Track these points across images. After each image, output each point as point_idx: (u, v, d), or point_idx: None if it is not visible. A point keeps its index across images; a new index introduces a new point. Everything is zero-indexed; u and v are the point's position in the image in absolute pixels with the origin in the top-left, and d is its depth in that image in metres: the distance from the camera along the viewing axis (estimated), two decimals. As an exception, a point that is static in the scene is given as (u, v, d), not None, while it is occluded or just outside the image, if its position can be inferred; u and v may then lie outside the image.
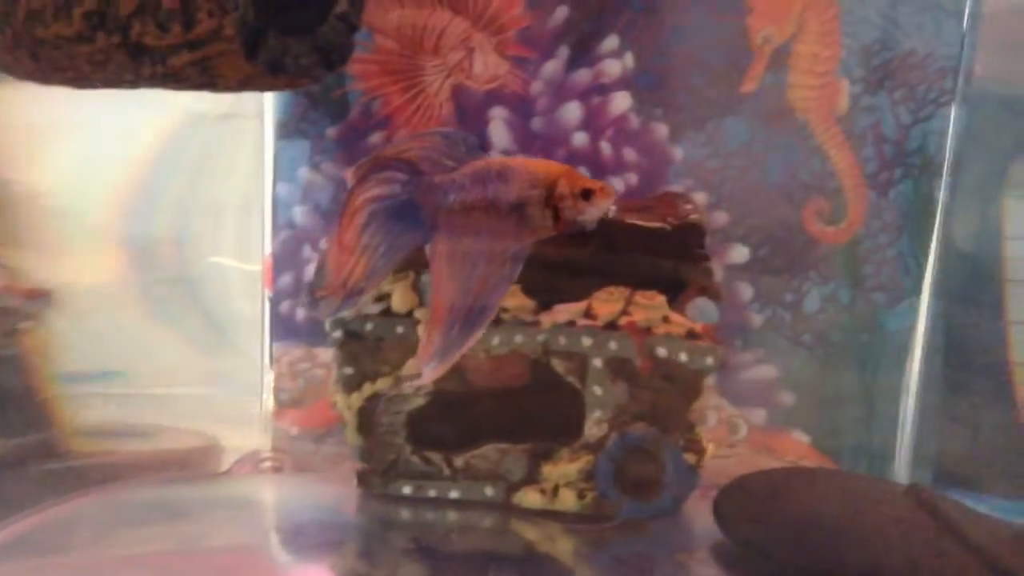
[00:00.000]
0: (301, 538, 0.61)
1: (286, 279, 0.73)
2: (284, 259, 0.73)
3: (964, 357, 0.74)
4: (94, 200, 0.79)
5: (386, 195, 0.48)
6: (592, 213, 0.48)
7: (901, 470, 0.72)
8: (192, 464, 0.71)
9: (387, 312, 0.59)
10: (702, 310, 0.61)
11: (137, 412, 0.78)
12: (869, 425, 0.73)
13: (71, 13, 0.50)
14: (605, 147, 0.72)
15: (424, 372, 0.48)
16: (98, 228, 0.80)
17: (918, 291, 0.71)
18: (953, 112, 0.69)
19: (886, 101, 0.69)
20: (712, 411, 0.73)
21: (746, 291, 0.72)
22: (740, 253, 0.72)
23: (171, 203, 0.82)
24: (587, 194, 0.47)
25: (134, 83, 0.54)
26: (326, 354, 0.72)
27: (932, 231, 0.70)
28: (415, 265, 0.60)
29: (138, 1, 0.49)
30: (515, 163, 0.48)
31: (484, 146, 0.51)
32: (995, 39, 0.68)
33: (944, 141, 0.69)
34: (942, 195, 0.69)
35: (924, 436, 0.72)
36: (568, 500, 0.60)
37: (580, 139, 0.72)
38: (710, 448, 0.62)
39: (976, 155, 0.69)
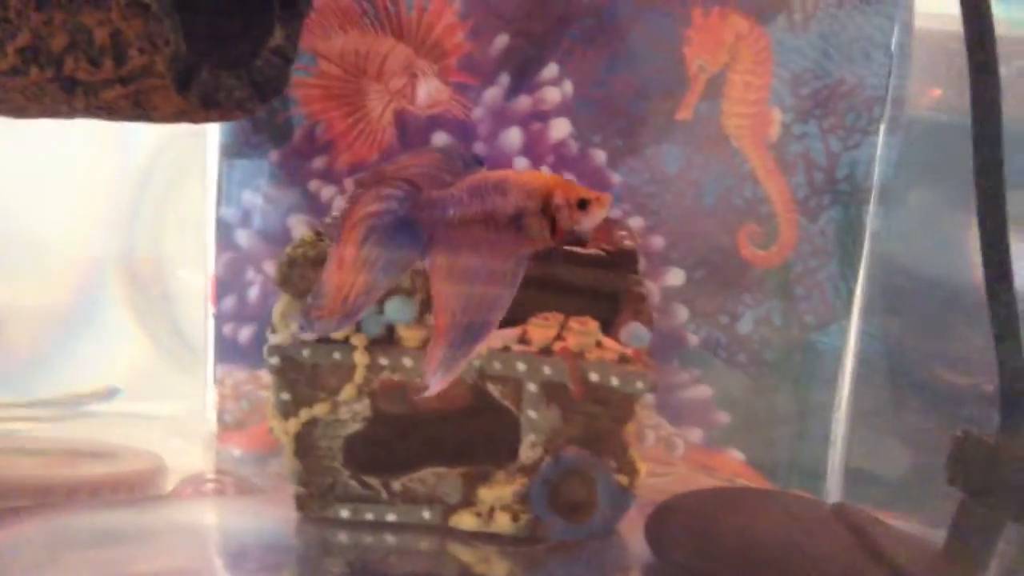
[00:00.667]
0: (241, 562, 0.61)
1: (230, 301, 0.74)
2: (228, 281, 0.74)
3: (897, 375, 0.77)
4: (38, 221, 0.80)
5: (384, 211, 0.49)
6: (587, 223, 0.48)
7: (832, 486, 0.74)
8: (139, 485, 0.72)
9: (324, 339, 0.60)
10: (635, 335, 0.62)
11: (84, 431, 0.79)
12: (801, 442, 0.75)
13: (5, 49, 0.50)
14: (545, 172, 0.73)
15: (430, 384, 0.49)
16: (42, 248, 0.80)
17: (848, 312, 0.73)
18: (880, 140, 0.71)
19: (816, 129, 0.71)
20: (650, 430, 0.75)
21: (682, 312, 0.74)
22: (676, 276, 0.74)
23: (119, 222, 0.82)
24: (583, 204, 0.48)
25: (69, 114, 0.54)
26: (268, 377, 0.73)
27: (860, 255, 0.72)
28: (352, 293, 0.61)
29: (70, 37, 0.49)
30: (511, 175, 0.49)
31: (481, 161, 0.52)
32: (921, 69, 0.71)
33: (872, 168, 0.71)
34: (870, 220, 0.71)
35: (854, 452, 0.74)
36: (503, 522, 0.62)
37: (521, 164, 0.73)
38: (643, 469, 0.64)
39: (904, 181, 0.72)
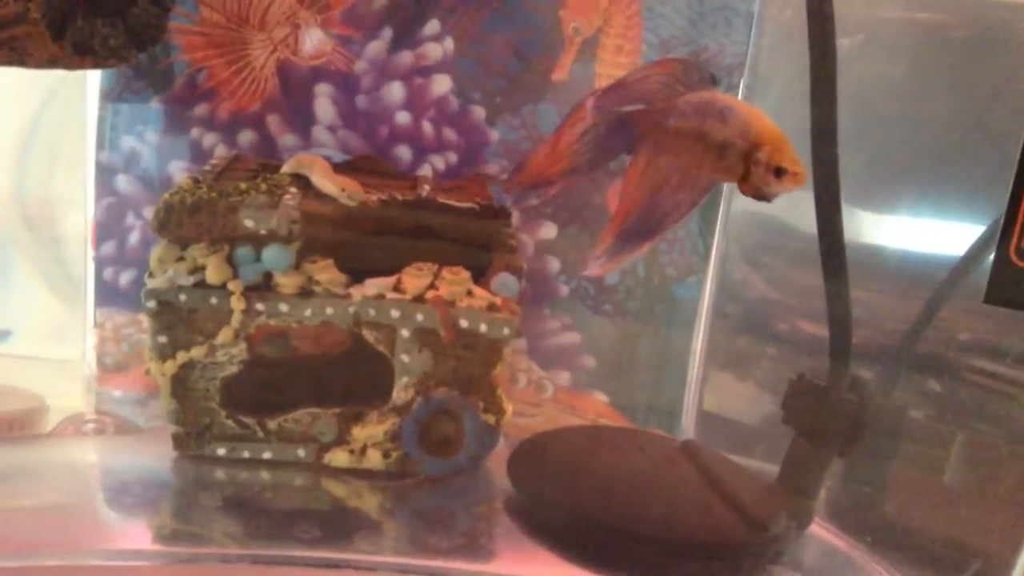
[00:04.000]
0: (120, 498, 0.63)
1: (110, 246, 0.74)
2: (107, 226, 0.74)
3: (754, 325, 0.83)
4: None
5: (611, 113, 0.51)
6: (774, 191, 0.49)
7: (688, 427, 0.80)
8: (19, 425, 0.73)
9: (201, 284, 0.62)
10: (505, 284, 0.66)
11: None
12: (660, 386, 0.80)
13: None
14: (427, 127, 0.76)
15: (591, 268, 0.52)
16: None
17: (704, 266, 0.78)
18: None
19: (680, 94, 0.76)
20: (522, 374, 0.79)
21: (554, 264, 0.78)
22: (549, 230, 0.78)
23: (9, 164, 0.81)
24: (779, 172, 0.48)
25: (-59, 59, 0.54)
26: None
27: (717, 212, 0.77)
28: (230, 239, 0.63)
29: (-61, -19, 0.50)
30: (739, 107, 0.49)
31: (716, 81, 0.52)
32: (777, 39, 0.76)
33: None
34: (727, 180, 0.77)
35: (709, 397, 0.81)
36: (375, 459, 0.65)
37: (403, 118, 0.75)
38: (509, 409, 0.68)
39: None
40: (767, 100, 0.75)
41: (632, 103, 0.52)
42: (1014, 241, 0.47)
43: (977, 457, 0.64)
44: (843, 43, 0.61)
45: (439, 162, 0.76)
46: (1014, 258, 0.47)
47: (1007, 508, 0.61)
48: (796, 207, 0.66)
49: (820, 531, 0.66)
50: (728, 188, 0.77)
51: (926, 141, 0.68)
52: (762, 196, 0.50)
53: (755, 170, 0.48)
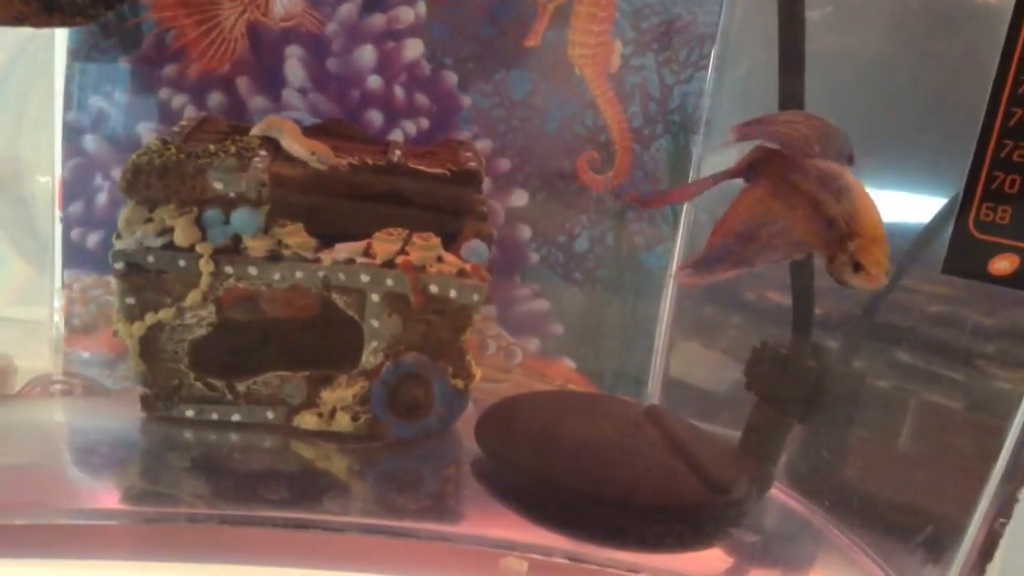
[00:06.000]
0: (88, 458, 0.64)
1: (78, 206, 0.74)
2: (75, 186, 0.74)
3: (722, 294, 0.84)
4: None
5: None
6: (849, 282, 0.50)
7: (654, 393, 0.81)
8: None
9: (169, 246, 0.62)
10: (475, 251, 0.67)
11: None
12: (627, 353, 0.81)
13: None
14: (398, 91, 0.76)
15: (680, 272, 0.55)
16: None
17: (673, 235, 0.79)
18: (709, 75, 0.76)
19: (652, 62, 0.76)
20: (492, 340, 0.80)
21: (525, 231, 0.79)
22: (520, 197, 0.78)
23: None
24: (858, 267, 0.49)
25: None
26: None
27: (687, 181, 0.78)
28: (199, 201, 0.62)
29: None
30: (856, 192, 0.50)
31: (851, 160, 0.54)
32: (747, 10, 0.76)
33: (700, 101, 0.77)
34: (697, 150, 0.77)
35: (675, 364, 0.82)
36: (344, 422, 0.66)
37: (374, 82, 0.75)
38: (478, 374, 0.69)
39: (728, 113, 0.77)
40: (738, 70, 0.76)
41: (770, 140, 0.53)
42: (972, 213, 0.48)
43: (933, 424, 0.66)
44: (812, 15, 0.62)
45: (411, 127, 0.76)
46: (972, 230, 0.48)
47: (960, 474, 0.63)
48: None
49: (780, 495, 0.68)
50: (696, 162, 0.77)
51: (891, 112, 0.69)
52: (840, 281, 0.51)
53: (840, 256, 0.50)
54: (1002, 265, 0.48)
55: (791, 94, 0.62)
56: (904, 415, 0.66)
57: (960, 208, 0.49)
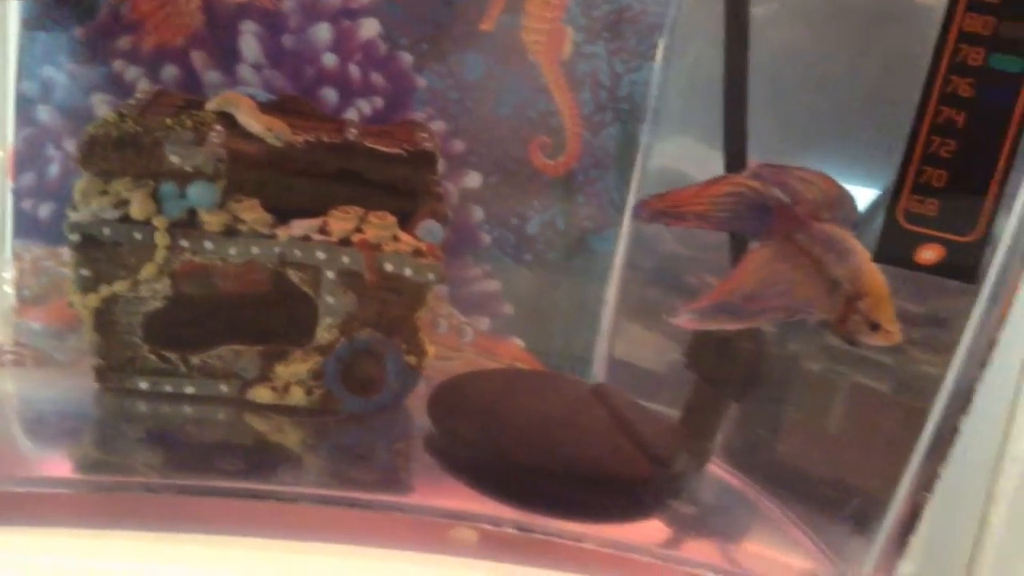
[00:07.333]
0: (39, 428, 0.64)
1: (29, 177, 0.73)
2: (27, 157, 0.73)
3: (665, 277, 0.86)
4: None
5: (761, 191, 0.54)
6: (864, 342, 0.52)
7: (599, 373, 0.84)
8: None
9: (125, 218, 0.62)
10: (430, 231, 0.68)
11: None
12: (575, 333, 0.84)
13: None
14: (353, 70, 0.76)
15: (680, 314, 0.55)
16: None
17: (620, 220, 0.82)
18: (657, 65, 0.78)
19: (603, 50, 0.78)
20: (443, 319, 0.82)
21: (478, 213, 0.80)
22: (474, 179, 0.80)
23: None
24: (875, 327, 0.51)
25: None
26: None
27: (633, 169, 0.80)
28: (155, 174, 0.63)
29: None
30: (859, 254, 0.52)
31: (856, 226, 0.55)
32: (697, 2, 0.78)
33: (648, 90, 0.79)
34: (644, 138, 0.80)
35: (620, 345, 0.84)
36: (297, 395, 0.67)
37: (330, 60, 0.76)
38: (431, 351, 0.70)
39: (675, 103, 0.80)
40: (685, 60, 0.78)
41: (785, 191, 0.55)
42: (901, 204, 0.51)
43: (861, 405, 0.69)
44: (757, 10, 0.65)
45: (365, 107, 0.77)
46: (901, 220, 0.51)
47: (886, 451, 0.66)
48: (707, 168, 0.69)
49: (717, 469, 0.71)
50: (644, 150, 0.80)
51: (830, 107, 0.72)
52: (852, 342, 0.53)
53: (852, 317, 0.52)
54: (928, 255, 0.51)
55: (735, 86, 0.65)
56: (835, 396, 0.70)
57: (890, 199, 0.52)
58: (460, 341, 0.82)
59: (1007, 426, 0.71)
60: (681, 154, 0.80)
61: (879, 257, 0.52)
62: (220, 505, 0.58)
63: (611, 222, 0.82)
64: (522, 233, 0.81)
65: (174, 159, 0.63)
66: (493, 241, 0.81)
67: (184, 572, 0.53)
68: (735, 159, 0.65)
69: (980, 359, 0.53)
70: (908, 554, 0.59)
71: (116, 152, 0.62)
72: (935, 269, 0.51)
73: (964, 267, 0.50)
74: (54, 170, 0.74)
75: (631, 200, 0.80)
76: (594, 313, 0.83)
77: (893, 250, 0.51)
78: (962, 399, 0.55)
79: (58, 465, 0.60)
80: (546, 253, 0.82)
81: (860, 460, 0.68)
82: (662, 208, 0.57)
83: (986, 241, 0.50)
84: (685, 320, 0.56)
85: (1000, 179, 0.48)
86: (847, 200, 0.55)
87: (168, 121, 0.64)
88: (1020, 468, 0.70)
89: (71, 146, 0.72)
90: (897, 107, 0.58)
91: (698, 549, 0.63)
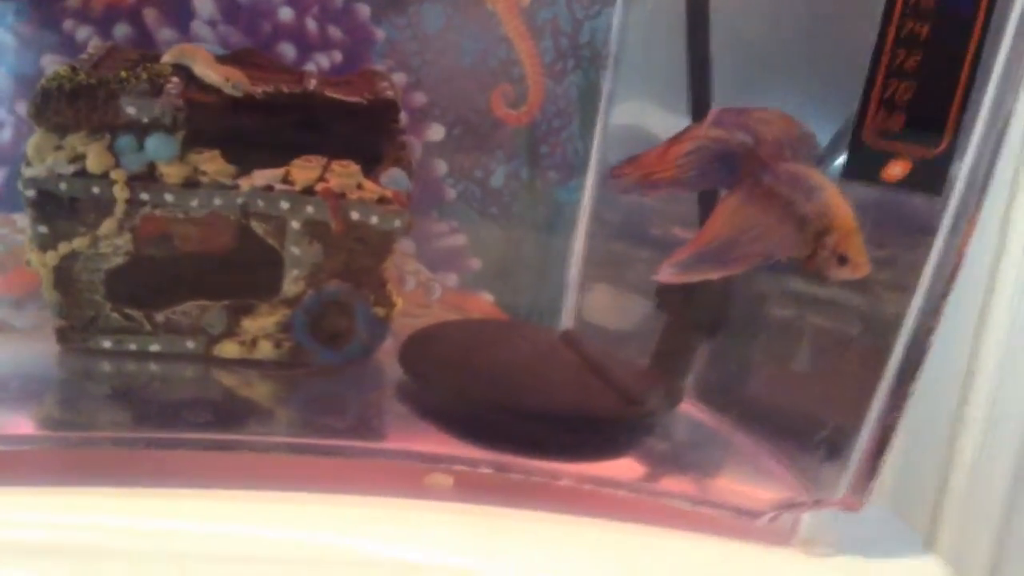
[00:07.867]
0: (1, 392, 0.62)
1: (-22, 141, 0.71)
2: (-25, 121, 0.71)
3: (631, 229, 0.87)
4: None
5: (723, 139, 0.55)
6: (834, 276, 0.52)
7: (568, 322, 0.84)
8: None
9: (82, 173, 0.61)
10: (395, 179, 0.67)
11: None
12: (542, 286, 0.83)
13: None
14: (310, 24, 0.75)
15: (663, 270, 0.56)
16: None
17: (584, 170, 0.81)
18: (616, 11, 0.78)
19: (563, -2, 0.78)
20: (410, 276, 0.81)
21: (441, 167, 0.80)
22: (437, 131, 0.79)
23: None
24: (843, 259, 0.51)
25: None
26: (25, 220, 0.72)
27: (596, 117, 0.80)
28: (111, 127, 0.61)
29: None
30: (827, 190, 0.52)
31: (821, 162, 0.55)
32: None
33: (609, 36, 0.79)
34: (606, 85, 0.79)
35: (586, 298, 0.84)
36: (266, 349, 0.66)
37: (286, 14, 0.75)
38: (399, 303, 0.70)
39: (635, 49, 0.80)
40: (645, 6, 0.78)
41: (746, 133, 0.55)
42: (867, 122, 0.52)
43: (829, 342, 0.70)
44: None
45: (324, 61, 0.76)
46: (868, 138, 0.52)
47: (852, 386, 0.67)
48: (674, 123, 0.69)
49: (690, 408, 0.71)
50: (606, 97, 0.80)
51: (790, 53, 0.73)
52: (824, 277, 0.54)
53: (821, 252, 0.52)
54: (895, 171, 0.51)
55: (696, 31, 0.65)
56: (803, 334, 0.71)
57: (856, 120, 0.52)
58: (428, 298, 0.82)
59: (974, 344, 0.72)
60: (644, 103, 0.80)
61: (847, 175, 0.52)
62: (191, 458, 0.57)
63: (575, 173, 0.81)
64: (487, 186, 0.81)
65: (130, 111, 0.61)
66: (458, 195, 0.81)
67: (156, 525, 0.52)
68: (700, 102, 0.65)
69: (949, 272, 0.53)
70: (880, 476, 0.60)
71: (69, 105, 0.61)
72: (903, 183, 0.51)
73: (931, 180, 0.51)
74: (5, 135, 0.72)
75: (595, 149, 0.80)
76: (561, 267, 0.83)
77: (861, 168, 0.52)
78: (931, 316, 0.55)
79: (24, 424, 0.58)
80: (512, 205, 0.81)
81: (828, 394, 0.69)
82: (635, 179, 0.58)
83: (953, 153, 0.50)
84: (668, 275, 0.57)
85: (964, 89, 0.49)
86: (808, 137, 0.56)
87: (123, 73, 0.63)
88: (988, 387, 0.72)
89: (23, 109, 0.70)
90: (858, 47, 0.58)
91: (675, 484, 0.64)
